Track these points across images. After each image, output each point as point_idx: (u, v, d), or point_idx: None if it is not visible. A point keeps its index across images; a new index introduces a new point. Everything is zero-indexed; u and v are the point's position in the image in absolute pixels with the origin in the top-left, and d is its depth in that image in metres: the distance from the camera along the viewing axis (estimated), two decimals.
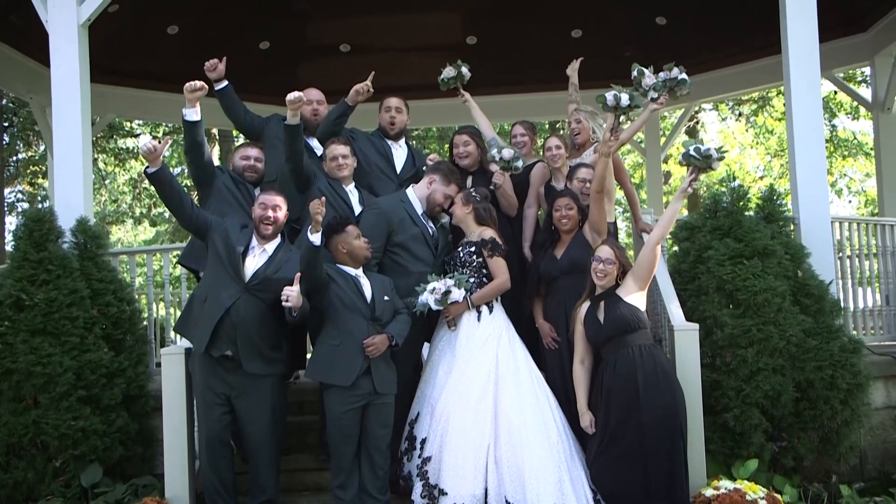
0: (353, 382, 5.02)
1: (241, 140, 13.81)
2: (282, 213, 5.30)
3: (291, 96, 5.47)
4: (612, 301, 5.02)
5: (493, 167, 6.05)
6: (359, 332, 5.07)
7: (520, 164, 6.02)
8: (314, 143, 6.23)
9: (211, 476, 5.18)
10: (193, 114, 5.56)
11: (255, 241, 5.26)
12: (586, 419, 5.09)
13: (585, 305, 5.16)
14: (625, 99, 5.35)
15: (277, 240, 5.32)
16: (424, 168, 6.03)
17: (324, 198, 5.05)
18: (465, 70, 6.64)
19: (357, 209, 5.75)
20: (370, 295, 5.19)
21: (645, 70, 5.66)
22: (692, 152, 5.04)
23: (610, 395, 4.96)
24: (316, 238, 4.93)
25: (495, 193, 6.01)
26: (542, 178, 6.32)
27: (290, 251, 5.32)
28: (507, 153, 5.96)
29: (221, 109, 6.40)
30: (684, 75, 5.66)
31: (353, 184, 5.89)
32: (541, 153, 6.59)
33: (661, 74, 5.68)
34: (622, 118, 5.56)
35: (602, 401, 5.01)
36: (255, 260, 5.20)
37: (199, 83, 5.46)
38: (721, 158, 5.06)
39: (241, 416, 5.18)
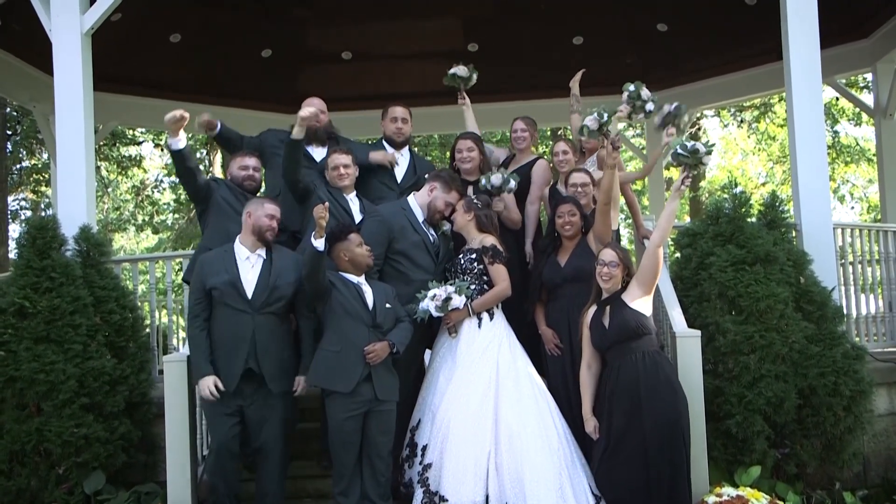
0: (354, 389, 5.03)
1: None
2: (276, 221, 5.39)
3: (305, 112, 5.49)
4: (617, 306, 5.02)
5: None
6: (359, 340, 5.08)
7: (512, 184, 5.99)
8: (311, 148, 6.24)
9: (220, 486, 5.18)
10: (178, 142, 5.58)
11: (244, 252, 5.24)
12: (590, 425, 5.09)
13: (592, 310, 5.16)
14: (601, 115, 5.51)
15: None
16: (426, 176, 6.04)
17: (327, 203, 5.08)
18: (474, 76, 6.66)
19: (358, 217, 5.75)
20: (372, 302, 5.19)
21: (641, 86, 5.69)
22: (680, 150, 5.09)
23: (613, 401, 4.96)
24: (319, 243, 4.97)
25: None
26: (544, 175, 6.34)
27: (283, 253, 5.37)
28: (496, 179, 5.95)
29: (223, 116, 6.40)
30: (675, 105, 5.77)
31: (355, 192, 5.89)
32: (539, 150, 6.59)
33: (662, 109, 5.77)
34: (621, 125, 5.61)
35: (606, 407, 5.01)
36: (253, 270, 5.22)
37: (178, 113, 5.45)
38: (709, 153, 5.09)
39: (253, 426, 5.18)
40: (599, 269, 5.10)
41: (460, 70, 6.68)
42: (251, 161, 5.90)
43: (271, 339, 5.17)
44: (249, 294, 5.15)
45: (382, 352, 5.09)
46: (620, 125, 5.83)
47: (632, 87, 5.62)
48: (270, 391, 5.16)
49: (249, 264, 5.22)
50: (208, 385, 5.02)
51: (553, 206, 5.82)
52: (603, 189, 5.43)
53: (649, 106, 5.65)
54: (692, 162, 5.08)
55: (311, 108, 5.57)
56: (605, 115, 5.51)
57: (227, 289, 5.12)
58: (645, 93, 5.61)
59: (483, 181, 6.00)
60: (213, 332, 5.16)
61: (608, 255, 5.10)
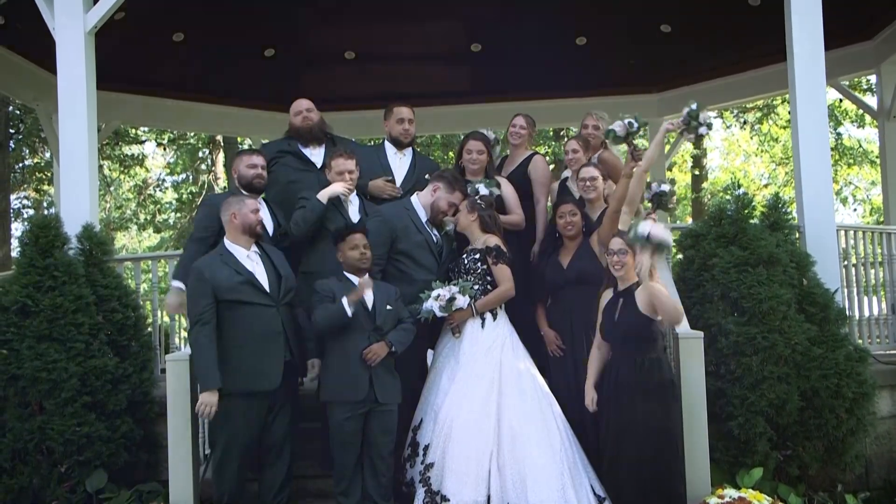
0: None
1: (246, 146, 13.83)
2: None
3: (343, 188, 5.66)
4: (628, 304, 4.98)
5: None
6: (359, 346, 5.09)
7: (496, 190, 6.00)
8: (309, 151, 6.23)
9: (234, 487, 5.16)
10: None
11: (242, 251, 5.21)
12: (589, 397, 5.11)
13: (609, 294, 5.14)
14: (632, 124, 5.53)
15: None
16: (427, 177, 6.03)
17: (364, 286, 5.14)
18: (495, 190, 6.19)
19: (355, 217, 5.73)
20: (371, 304, 5.19)
21: (703, 108, 5.69)
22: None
23: (611, 403, 4.98)
24: (350, 310, 5.05)
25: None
26: (543, 171, 6.35)
27: (270, 248, 5.39)
28: (483, 191, 5.95)
29: (226, 115, 6.39)
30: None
31: (354, 192, 5.87)
32: (541, 150, 6.58)
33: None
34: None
35: (605, 407, 5.04)
36: (259, 266, 5.23)
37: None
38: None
39: (272, 424, 5.19)
40: (610, 259, 5.09)
41: (482, 189, 6.13)
42: (259, 160, 5.83)
43: (294, 329, 5.24)
44: (268, 288, 5.16)
45: (380, 350, 5.09)
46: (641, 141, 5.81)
47: (694, 106, 5.59)
48: (286, 385, 5.18)
49: (253, 262, 5.22)
50: (210, 402, 4.93)
51: (554, 206, 5.83)
52: (616, 196, 5.46)
53: (702, 130, 5.61)
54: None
55: (347, 185, 5.68)
56: (636, 125, 5.51)
57: (245, 287, 5.09)
58: (704, 116, 5.58)
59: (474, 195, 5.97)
60: (234, 335, 5.06)
61: (616, 243, 5.07)
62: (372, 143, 10.61)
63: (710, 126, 5.62)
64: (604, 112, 6.55)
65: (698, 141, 6.13)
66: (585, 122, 6.50)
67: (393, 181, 6.18)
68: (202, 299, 5.03)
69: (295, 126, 6.25)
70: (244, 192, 5.65)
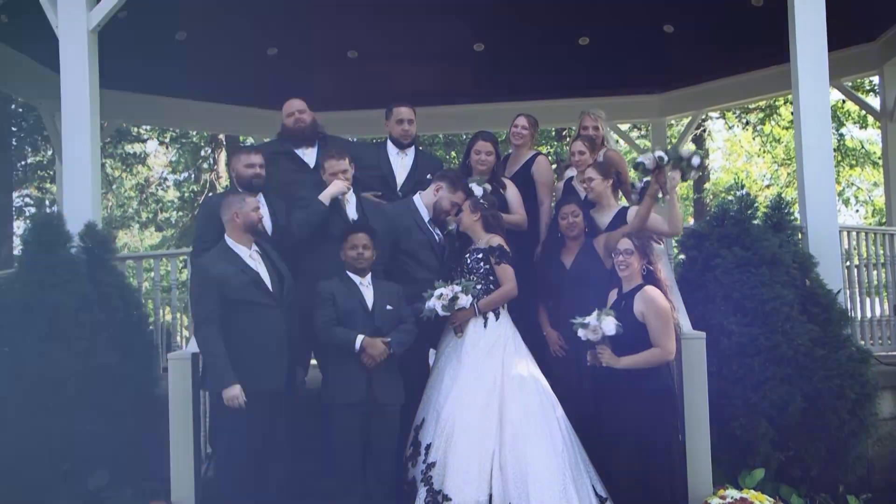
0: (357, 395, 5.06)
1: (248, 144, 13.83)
2: None
3: (344, 187, 5.59)
4: (627, 308, 4.99)
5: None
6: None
7: (489, 186, 6.00)
8: (301, 151, 6.22)
9: (239, 487, 5.11)
10: None
11: (244, 250, 5.20)
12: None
13: (615, 294, 5.15)
14: (662, 158, 5.59)
15: None
16: (429, 176, 6.03)
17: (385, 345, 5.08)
18: (487, 186, 6.13)
19: (352, 216, 5.72)
20: (371, 304, 5.19)
21: (679, 149, 5.75)
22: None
23: (609, 406, 4.99)
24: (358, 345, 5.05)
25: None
26: (546, 172, 6.35)
27: (267, 245, 5.36)
28: (476, 189, 5.95)
29: (228, 114, 6.40)
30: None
31: (351, 190, 5.85)
32: (544, 150, 6.59)
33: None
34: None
35: (604, 406, 5.06)
36: (261, 265, 5.21)
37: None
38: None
39: (275, 424, 5.17)
40: (615, 258, 5.11)
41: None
42: (256, 158, 5.82)
43: (292, 330, 5.21)
44: (272, 288, 5.14)
45: (376, 349, 5.08)
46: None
47: (661, 155, 5.63)
48: (289, 384, 5.18)
49: (255, 261, 5.21)
50: (236, 395, 4.90)
51: (557, 206, 5.84)
52: (639, 215, 5.53)
53: (695, 160, 5.65)
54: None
55: (345, 184, 5.61)
56: (666, 159, 5.55)
57: (252, 287, 5.07)
58: (685, 151, 5.71)
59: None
60: (239, 334, 5.02)
61: (624, 243, 5.10)
62: (375, 141, 10.60)
63: (699, 154, 5.77)
64: (601, 111, 6.55)
65: (701, 169, 6.04)
66: (584, 123, 6.49)
67: (382, 196, 6.12)
68: (209, 298, 5.00)
69: (287, 127, 6.23)
70: (242, 191, 5.63)
